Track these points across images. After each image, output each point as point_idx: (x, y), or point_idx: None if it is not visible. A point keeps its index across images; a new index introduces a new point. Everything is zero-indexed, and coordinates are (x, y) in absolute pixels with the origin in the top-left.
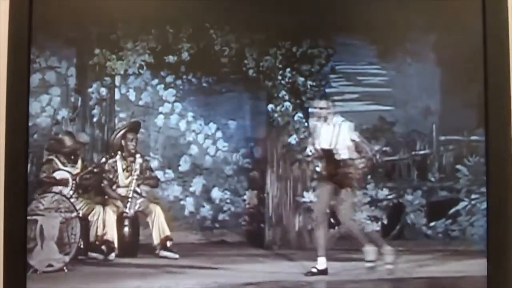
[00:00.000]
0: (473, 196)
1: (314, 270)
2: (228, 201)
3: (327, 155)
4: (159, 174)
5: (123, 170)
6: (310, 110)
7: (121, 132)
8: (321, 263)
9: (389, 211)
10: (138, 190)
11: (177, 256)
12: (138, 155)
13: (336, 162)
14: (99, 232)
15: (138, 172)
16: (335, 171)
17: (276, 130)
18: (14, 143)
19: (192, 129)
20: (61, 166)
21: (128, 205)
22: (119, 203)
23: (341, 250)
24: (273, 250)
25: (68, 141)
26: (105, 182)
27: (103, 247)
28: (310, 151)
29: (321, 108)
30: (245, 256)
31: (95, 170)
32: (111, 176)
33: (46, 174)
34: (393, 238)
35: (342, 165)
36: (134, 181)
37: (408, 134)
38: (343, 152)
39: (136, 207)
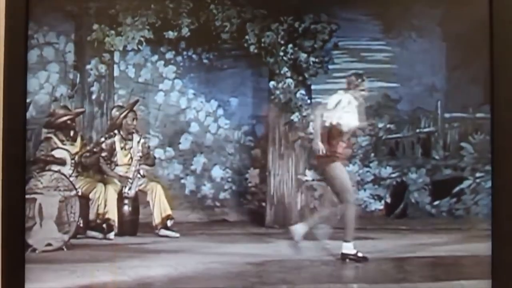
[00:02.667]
0: (477, 175)
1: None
2: (230, 179)
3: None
4: (159, 152)
5: (121, 148)
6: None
7: (125, 113)
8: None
9: (393, 190)
10: (141, 170)
11: (177, 235)
12: (136, 134)
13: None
14: (100, 211)
15: (138, 151)
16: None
17: (278, 107)
18: (11, 120)
19: (193, 106)
20: (59, 144)
21: (129, 185)
22: (119, 182)
23: (343, 229)
24: (275, 229)
25: (61, 111)
26: (102, 160)
27: (104, 225)
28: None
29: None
30: (246, 235)
31: (94, 149)
32: (109, 155)
33: (45, 152)
34: (396, 217)
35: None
36: (135, 161)
37: (413, 111)
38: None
39: (137, 187)
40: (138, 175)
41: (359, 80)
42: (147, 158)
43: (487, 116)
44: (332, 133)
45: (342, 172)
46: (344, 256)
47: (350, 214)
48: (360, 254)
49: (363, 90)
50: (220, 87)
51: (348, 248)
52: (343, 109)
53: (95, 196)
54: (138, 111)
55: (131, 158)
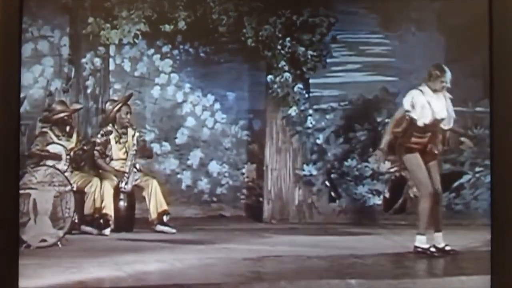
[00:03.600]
0: (477, 169)
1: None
2: (226, 174)
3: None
4: (155, 146)
5: (116, 142)
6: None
7: (118, 107)
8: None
9: (391, 185)
10: (137, 165)
11: (174, 230)
12: (131, 128)
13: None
14: (96, 206)
15: (133, 145)
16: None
17: (275, 101)
18: (5, 115)
19: (190, 100)
20: (55, 139)
21: (126, 179)
22: (115, 176)
23: (342, 225)
24: (272, 224)
25: (59, 107)
26: (98, 155)
27: (101, 221)
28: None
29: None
30: (244, 231)
31: (86, 147)
32: (104, 150)
33: (40, 147)
34: (395, 211)
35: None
36: (131, 155)
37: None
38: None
39: (134, 182)
40: (134, 169)
41: (438, 72)
42: (144, 150)
43: (487, 110)
44: (406, 124)
45: (416, 165)
46: (416, 249)
47: (422, 207)
48: (432, 249)
49: (443, 81)
50: (217, 81)
51: (420, 241)
52: (422, 107)
53: (90, 190)
54: (134, 105)
55: (126, 152)
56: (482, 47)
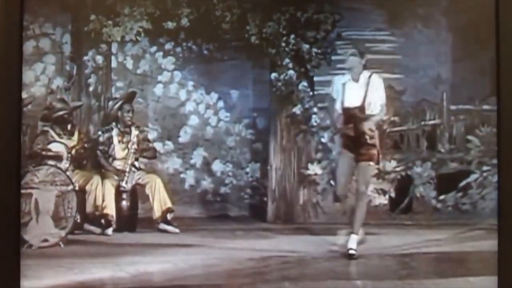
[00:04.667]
0: (484, 168)
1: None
2: (230, 174)
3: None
4: (158, 145)
5: (119, 142)
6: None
7: (118, 104)
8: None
9: (397, 184)
10: (136, 163)
11: (177, 230)
12: (133, 127)
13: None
14: (97, 204)
15: (135, 144)
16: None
17: (279, 99)
18: (6, 113)
19: (193, 98)
20: (56, 138)
21: (125, 179)
22: (116, 176)
23: (347, 225)
24: (277, 224)
25: (59, 104)
26: (100, 154)
27: (102, 220)
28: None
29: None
30: (248, 231)
31: (91, 144)
32: (106, 149)
33: (41, 146)
34: (401, 211)
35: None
36: (131, 154)
37: (418, 103)
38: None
39: (134, 181)
40: (133, 169)
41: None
42: (147, 150)
43: (494, 108)
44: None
45: (339, 165)
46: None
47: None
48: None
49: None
50: (220, 79)
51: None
52: (337, 91)
53: (91, 188)
54: (136, 103)
55: (129, 151)
56: (489, 44)
